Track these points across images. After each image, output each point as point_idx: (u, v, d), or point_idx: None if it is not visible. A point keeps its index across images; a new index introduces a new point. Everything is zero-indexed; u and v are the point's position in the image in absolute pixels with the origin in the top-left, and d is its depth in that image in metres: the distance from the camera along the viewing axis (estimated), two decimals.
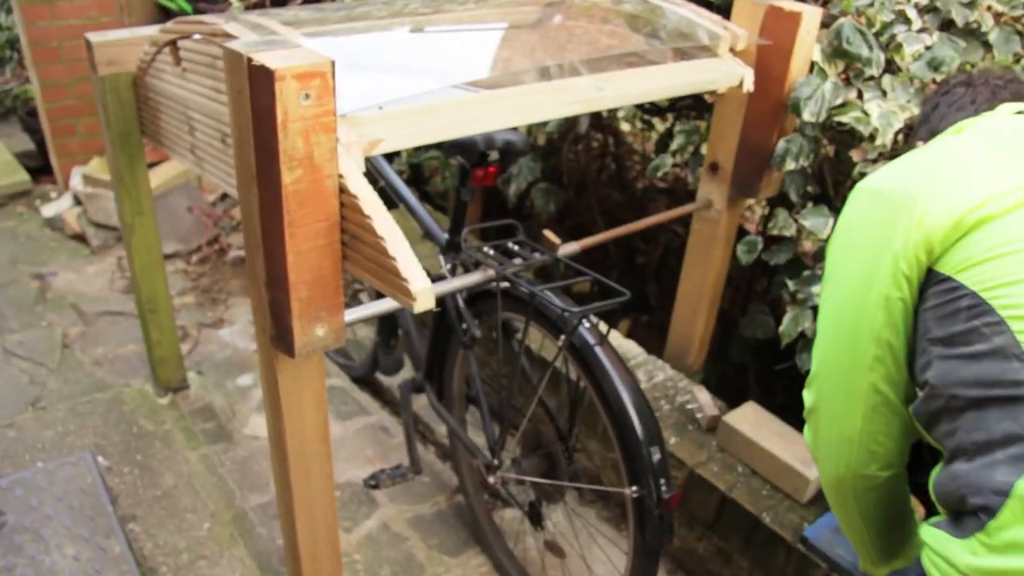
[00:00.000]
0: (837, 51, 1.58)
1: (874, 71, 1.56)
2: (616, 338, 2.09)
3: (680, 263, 2.02)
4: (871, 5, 1.59)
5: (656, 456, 1.31)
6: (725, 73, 1.59)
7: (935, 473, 0.95)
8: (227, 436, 2.16)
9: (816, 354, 1.07)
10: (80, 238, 3.12)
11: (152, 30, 1.60)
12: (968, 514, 0.86)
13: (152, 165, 2.93)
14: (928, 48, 1.54)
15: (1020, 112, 1.02)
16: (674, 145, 1.94)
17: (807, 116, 1.57)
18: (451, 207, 1.85)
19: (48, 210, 3.24)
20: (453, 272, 1.62)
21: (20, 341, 2.51)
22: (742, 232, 1.97)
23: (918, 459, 1.19)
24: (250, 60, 0.95)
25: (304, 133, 0.97)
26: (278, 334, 1.13)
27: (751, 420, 1.73)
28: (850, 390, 1.00)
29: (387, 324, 2.03)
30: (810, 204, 1.72)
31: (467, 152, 1.46)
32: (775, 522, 1.58)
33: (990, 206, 0.87)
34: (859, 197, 1.00)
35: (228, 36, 1.20)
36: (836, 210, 1.67)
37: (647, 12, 1.69)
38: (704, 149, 1.92)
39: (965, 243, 0.88)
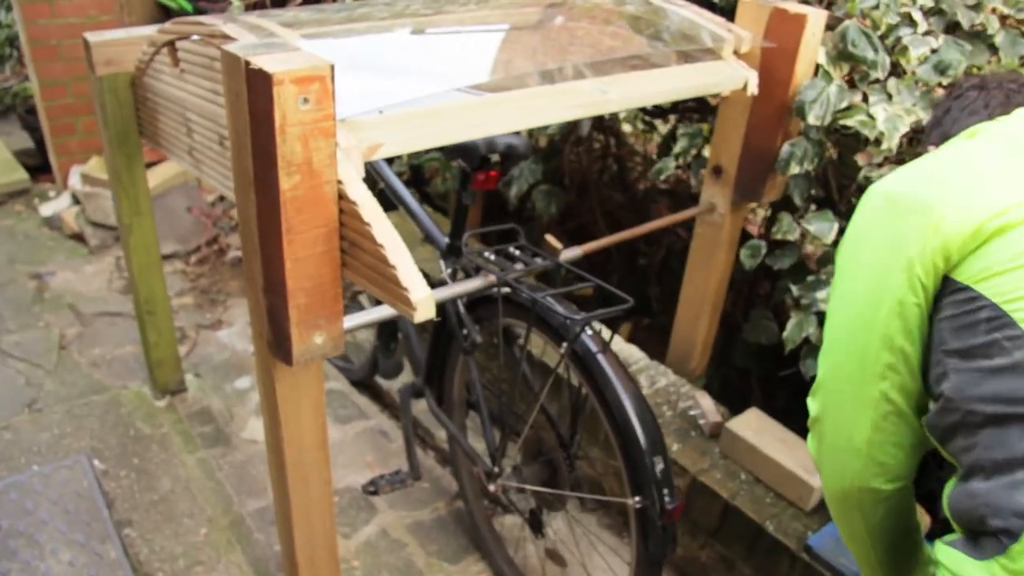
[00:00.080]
0: (842, 54, 1.57)
1: (879, 74, 1.54)
2: (618, 343, 2.07)
3: (682, 266, 2.00)
4: (876, 7, 1.57)
5: (659, 466, 1.29)
6: (729, 76, 1.57)
7: (949, 488, 0.92)
8: (225, 440, 2.15)
9: (823, 361, 1.04)
10: (78, 237, 3.11)
11: (150, 30, 1.58)
12: (987, 535, 0.83)
13: (151, 165, 2.91)
14: (934, 51, 1.52)
15: None
16: (677, 148, 1.92)
17: (812, 119, 1.55)
18: (452, 211, 1.84)
19: (46, 209, 3.22)
20: (454, 277, 1.60)
21: (17, 342, 2.50)
22: (745, 235, 1.95)
23: (923, 465, 1.17)
24: (248, 63, 0.93)
25: (303, 138, 0.95)
26: (276, 341, 1.11)
27: (754, 427, 1.71)
28: (859, 399, 0.98)
29: (387, 328, 2.01)
30: (813, 207, 1.70)
31: (468, 155, 1.45)
32: (779, 530, 1.56)
33: (1010, 214, 0.84)
34: (871, 201, 0.98)
35: (226, 38, 1.18)
36: (840, 214, 1.65)
37: (650, 14, 1.67)
38: (707, 151, 1.90)
39: (984, 252, 0.86)
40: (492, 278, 1.42)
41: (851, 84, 1.59)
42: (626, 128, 2.79)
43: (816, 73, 1.59)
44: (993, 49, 1.58)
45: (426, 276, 1.09)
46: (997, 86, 1.06)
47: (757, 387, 2.20)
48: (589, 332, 1.37)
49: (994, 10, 1.58)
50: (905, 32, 1.54)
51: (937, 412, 0.91)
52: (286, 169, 0.96)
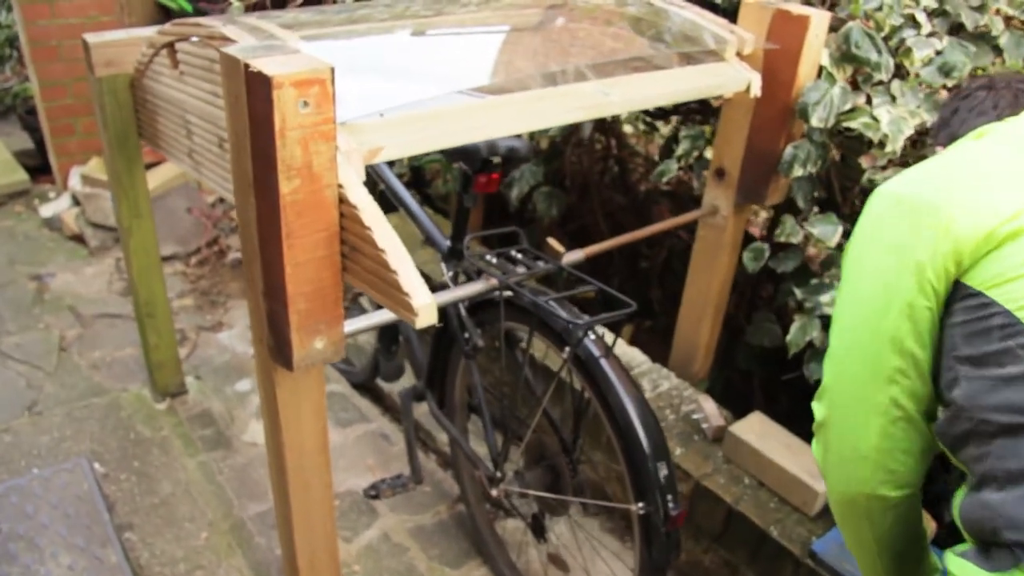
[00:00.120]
0: (845, 55, 1.56)
1: (883, 76, 1.53)
2: (620, 346, 2.06)
3: (684, 267, 1.99)
4: (880, 9, 1.56)
5: (663, 472, 1.28)
6: (732, 78, 1.56)
7: (960, 497, 0.91)
8: (225, 443, 2.14)
9: (829, 365, 1.02)
10: (78, 239, 3.10)
11: (150, 31, 1.57)
12: (1000, 547, 0.82)
13: (151, 166, 2.90)
14: (938, 53, 1.51)
15: None
16: (679, 150, 1.91)
17: (815, 122, 1.54)
18: (453, 213, 1.83)
19: (46, 210, 3.21)
20: (455, 280, 1.59)
21: (17, 343, 2.49)
22: (747, 237, 1.94)
23: (928, 469, 1.16)
24: (247, 66, 0.92)
25: (303, 142, 0.94)
26: (276, 346, 1.10)
27: (758, 431, 1.70)
28: (866, 404, 0.96)
29: (388, 331, 2.00)
30: (815, 209, 1.69)
31: (470, 158, 1.44)
32: (783, 536, 1.55)
33: (1023, 219, 0.83)
34: (879, 202, 0.96)
35: (226, 40, 1.18)
36: (844, 217, 1.64)
37: (651, 15, 1.66)
38: (708, 153, 1.89)
39: (996, 257, 0.84)
40: (494, 282, 1.41)
41: (855, 86, 1.58)
42: (627, 129, 2.78)
43: (819, 75, 1.58)
44: (997, 51, 1.57)
45: (427, 279, 1.08)
46: (1006, 86, 1.05)
47: (759, 389, 2.19)
48: (592, 336, 1.36)
49: (998, 11, 1.57)
50: (909, 34, 1.53)
51: (947, 419, 0.90)
52: (286, 173, 0.95)
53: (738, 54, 1.59)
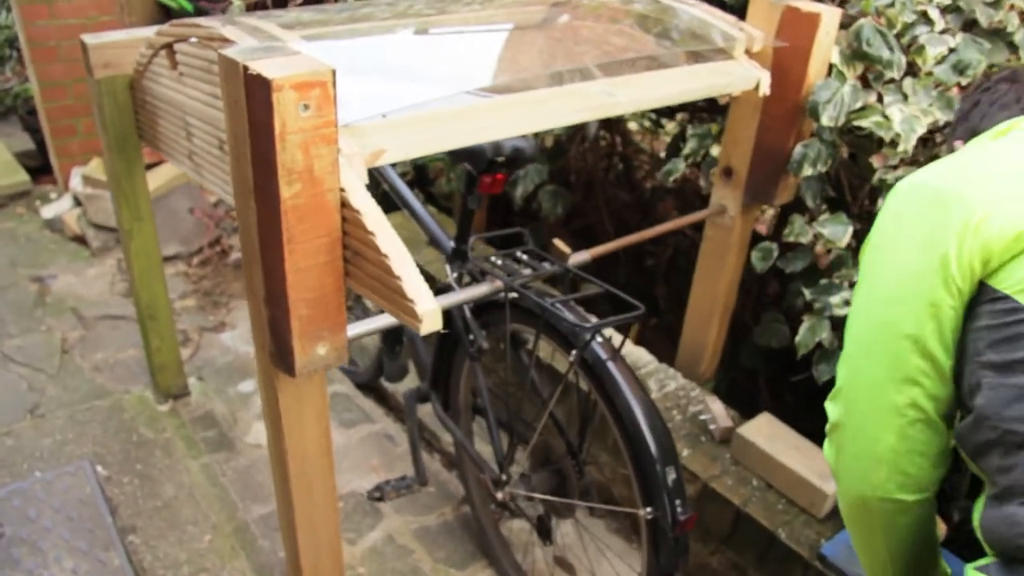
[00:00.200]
0: (856, 53, 1.53)
1: (895, 74, 1.51)
2: (626, 346, 2.04)
3: (689, 265, 1.97)
4: (891, 5, 1.53)
5: (671, 476, 1.26)
6: (741, 76, 1.53)
7: (980, 507, 0.88)
8: (228, 444, 2.12)
9: (844, 364, 0.99)
10: (80, 240, 3.08)
11: (149, 32, 1.55)
12: None
13: (152, 166, 2.89)
14: (952, 50, 1.48)
15: None
16: (686, 149, 1.88)
17: (826, 120, 1.51)
18: (457, 214, 1.81)
19: (48, 211, 3.20)
20: (459, 281, 1.57)
21: (19, 346, 2.48)
22: (755, 236, 1.92)
23: None
24: (246, 68, 0.90)
25: (303, 145, 0.92)
26: (278, 352, 1.08)
27: (766, 432, 1.68)
28: (884, 405, 0.93)
29: (392, 331, 1.99)
30: (824, 208, 1.67)
31: (475, 159, 1.42)
32: (791, 538, 1.53)
33: None
34: (902, 198, 0.93)
35: (225, 41, 1.15)
36: (854, 217, 1.62)
37: (658, 12, 1.64)
38: (715, 151, 1.87)
39: None
40: (499, 284, 1.39)
41: (865, 84, 1.55)
42: (632, 126, 2.75)
43: (830, 73, 1.55)
44: (1013, 47, 1.54)
45: (432, 279, 1.07)
46: None
47: (765, 389, 2.17)
48: (599, 339, 1.34)
49: (1013, 6, 1.54)
50: (921, 30, 1.51)
51: (970, 426, 0.87)
52: (286, 177, 0.93)
53: (747, 52, 1.57)
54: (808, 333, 1.61)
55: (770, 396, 2.16)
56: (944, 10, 1.54)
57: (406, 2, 1.57)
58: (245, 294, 2.78)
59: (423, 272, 0.99)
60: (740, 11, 1.64)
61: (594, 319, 1.30)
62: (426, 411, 1.95)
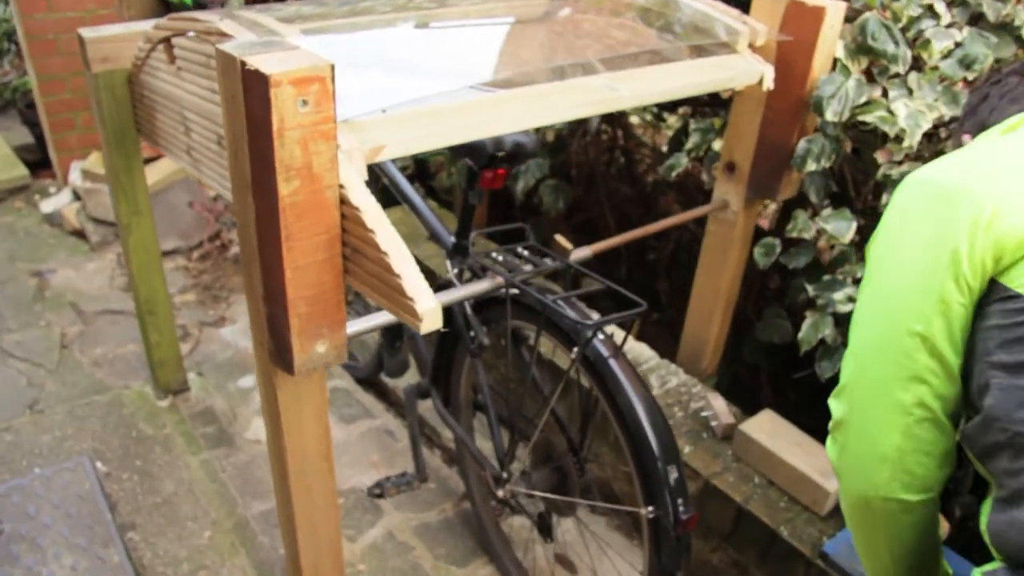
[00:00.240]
0: (861, 47, 1.51)
1: (900, 68, 1.49)
2: (628, 342, 2.03)
3: (691, 259, 1.96)
4: None
5: (673, 475, 1.25)
6: (744, 70, 1.52)
7: (987, 509, 0.87)
8: (228, 440, 2.12)
9: (849, 361, 0.97)
10: (79, 234, 3.07)
11: (147, 26, 1.53)
12: None
13: (151, 160, 2.87)
14: (958, 44, 1.46)
15: None
16: (689, 144, 1.87)
17: (830, 115, 1.50)
18: (458, 209, 1.79)
19: (47, 205, 3.19)
20: (460, 277, 1.56)
21: (18, 341, 2.47)
22: (758, 231, 1.91)
23: None
24: (244, 63, 0.89)
25: (302, 142, 0.91)
26: (277, 350, 1.07)
27: (768, 429, 1.67)
28: (890, 403, 0.91)
29: (392, 326, 1.98)
30: (828, 203, 1.65)
31: (475, 154, 1.40)
32: (793, 536, 1.52)
33: None
34: (908, 194, 0.91)
35: (222, 35, 1.14)
36: (858, 212, 1.61)
37: (660, 5, 1.62)
38: (718, 145, 1.85)
39: None
40: (500, 280, 1.38)
41: (870, 79, 1.53)
42: (634, 120, 2.74)
43: (834, 67, 1.54)
44: (1020, 42, 1.52)
45: (432, 274, 1.06)
46: None
47: (767, 385, 2.16)
48: (601, 336, 1.33)
49: (1020, 1, 1.52)
50: (927, 24, 1.49)
51: (978, 427, 0.86)
52: (285, 174, 0.92)
53: (751, 46, 1.55)
54: (811, 329, 1.60)
55: (772, 392, 2.15)
56: (950, 4, 1.53)
57: None
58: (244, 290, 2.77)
59: (423, 267, 0.98)
60: (744, 5, 1.62)
61: (596, 315, 1.29)
62: (427, 407, 1.94)
